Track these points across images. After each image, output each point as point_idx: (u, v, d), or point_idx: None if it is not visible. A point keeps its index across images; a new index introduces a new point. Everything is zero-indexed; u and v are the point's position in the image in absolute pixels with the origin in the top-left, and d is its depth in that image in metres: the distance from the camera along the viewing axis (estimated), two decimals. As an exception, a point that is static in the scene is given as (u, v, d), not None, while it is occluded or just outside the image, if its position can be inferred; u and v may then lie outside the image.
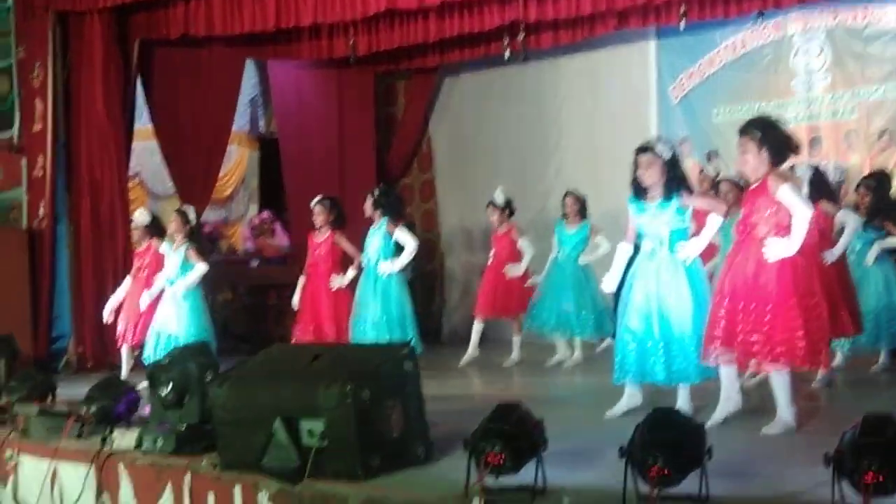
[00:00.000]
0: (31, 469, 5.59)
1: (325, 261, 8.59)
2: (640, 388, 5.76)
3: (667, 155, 5.62)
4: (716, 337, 5.20)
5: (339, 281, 8.49)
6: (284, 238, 12.80)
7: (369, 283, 8.38)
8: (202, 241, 8.28)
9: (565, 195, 8.97)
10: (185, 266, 8.02)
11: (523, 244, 9.03)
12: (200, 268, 7.99)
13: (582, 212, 8.85)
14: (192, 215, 8.25)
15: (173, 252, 8.10)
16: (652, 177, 5.62)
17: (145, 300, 8.25)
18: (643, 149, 5.67)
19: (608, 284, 5.92)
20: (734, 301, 5.17)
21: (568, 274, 8.83)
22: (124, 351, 8.52)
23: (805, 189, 6.78)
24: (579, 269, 8.83)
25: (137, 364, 8.31)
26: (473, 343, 9.19)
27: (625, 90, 10.79)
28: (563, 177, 10.63)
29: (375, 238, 8.42)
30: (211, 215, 12.52)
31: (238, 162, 13.37)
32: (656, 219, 5.66)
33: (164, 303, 8.09)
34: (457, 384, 7.99)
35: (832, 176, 8.83)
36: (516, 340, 9.12)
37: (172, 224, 8.20)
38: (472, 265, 11.52)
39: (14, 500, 5.68)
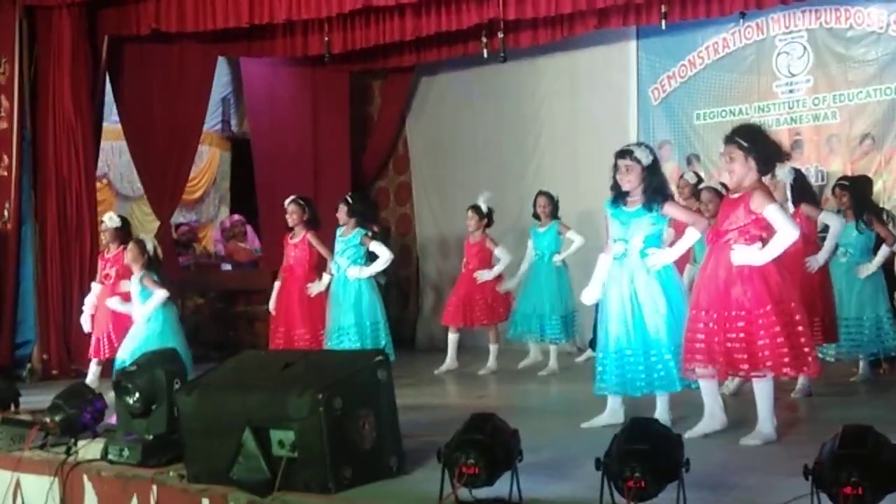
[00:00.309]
0: (-7, 480, 5.44)
1: (300, 264, 8.43)
2: (622, 405, 5.64)
3: (647, 160, 5.52)
4: (696, 350, 5.14)
5: (318, 287, 8.33)
6: (256, 241, 12.64)
7: (340, 289, 8.22)
8: (161, 269, 7.92)
9: (537, 195, 8.92)
10: (144, 293, 7.71)
11: (500, 253, 8.95)
12: (159, 294, 7.57)
13: (553, 212, 8.79)
14: (149, 245, 7.87)
15: (132, 281, 7.79)
16: (631, 182, 5.53)
17: (114, 305, 8.00)
18: (623, 153, 5.58)
19: (588, 297, 5.80)
20: (710, 313, 5.12)
21: (542, 277, 8.78)
22: (93, 363, 8.28)
23: (787, 193, 6.74)
24: (553, 272, 8.77)
25: (105, 375, 8.10)
26: (451, 354, 9.11)
27: (605, 91, 10.72)
28: (542, 179, 10.53)
29: (347, 246, 8.25)
30: (180, 218, 12.35)
31: (209, 162, 13.22)
32: (631, 225, 5.56)
33: (131, 337, 7.78)
34: (431, 393, 7.89)
35: (813, 180, 8.79)
36: (493, 349, 9.02)
37: (129, 254, 7.78)
38: (447, 271, 11.41)
39: (-26, 512, 5.51)
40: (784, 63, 9.62)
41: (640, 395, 5.56)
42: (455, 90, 12.00)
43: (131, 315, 7.75)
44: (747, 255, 5.02)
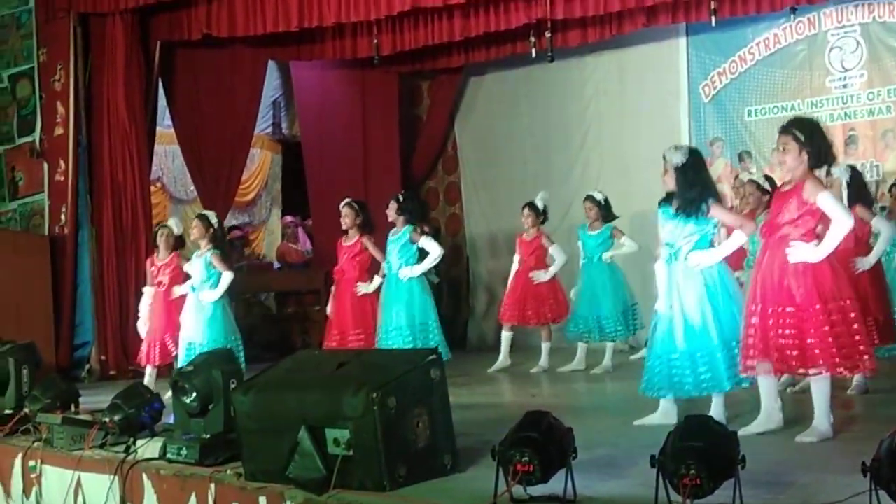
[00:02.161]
0: (55, 479, 5.53)
1: (353, 266, 8.49)
2: (674, 405, 5.60)
3: (677, 161, 5.45)
4: (750, 346, 5.10)
5: (366, 288, 8.40)
6: (307, 243, 12.73)
7: (392, 289, 8.28)
8: (226, 245, 8.15)
9: (584, 200, 8.85)
10: (210, 272, 7.89)
11: (554, 251, 8.93)
12: (227, 276, 7.85)
13: (604, 214, 8.72)
14: (213, 220, 8.11)
15: (197, 258, 7.99)
16: (667, 183, 5.50)
17: (179, 291, 8.16)
18: (665, 153, 5.56)
19: (661, 306, 5.72)
20: (764, 307, 5.07)
21: (596, 279, 8.74)
22: (148, 369, 8.36)
23: (844, 192, 6.66)
24: (605, 271, 8.73)
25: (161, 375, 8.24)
26: (504, 353, 9.12)
27: (654, 89, 10.66)
28: (590, 178, 10.50)
29: (398, 245, 8.31)
30: (233, 220, 12.47)
31: (260, 165, 13.32)
32: (678, 227, 5.52)
33: (189, 312, 7.96)
34: (483, 392, 7.89)
35: (868, 176, 8.67)
36: (545, 347, 9.00)
37: (195, 230, 8.03)
38: (498, 270, 11.38)
39: (37, 511, 5.61)
40: (837, 58, 9.51)
41: (687, 397, 5.53)
42: (503, 90, 11.99)
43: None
44: (804, 253, 4.96)
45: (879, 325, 6.70)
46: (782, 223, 5.08)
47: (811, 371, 5.01)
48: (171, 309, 8.25)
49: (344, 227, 8.50)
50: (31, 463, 5.67)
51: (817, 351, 4.92)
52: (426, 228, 9.10)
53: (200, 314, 7.87)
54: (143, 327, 8.45)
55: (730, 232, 5.78)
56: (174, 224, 8.66)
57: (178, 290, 8.21)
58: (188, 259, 8.26)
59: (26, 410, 6.08)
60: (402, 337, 8.10)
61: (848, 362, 5.00)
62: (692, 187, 5.44)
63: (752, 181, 7.37)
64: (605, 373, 8.54)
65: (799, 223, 5.02)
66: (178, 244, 8.49)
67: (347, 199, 8.59)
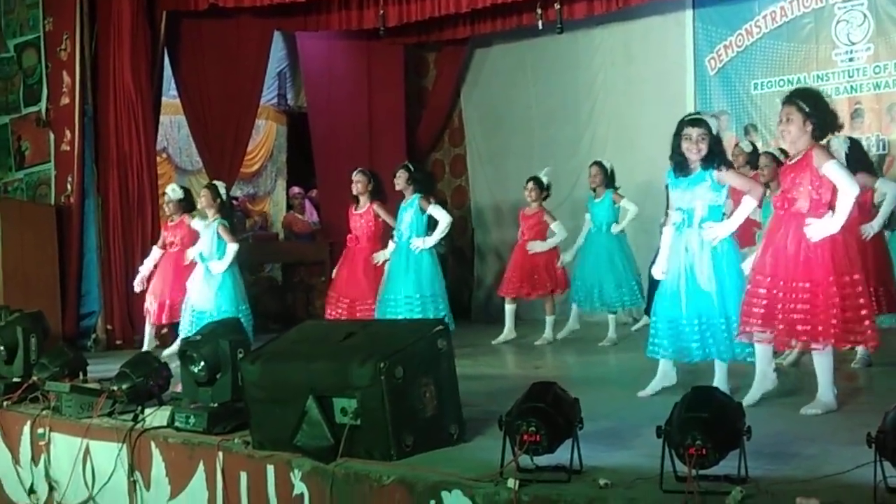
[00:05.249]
0: (63, 447, 5.57)
1: (364, 234, 8.53)
2: (674, 367, 5.64)
3: (716, 130, 5.49)
4: (754, 315, 5.10)
5: (382, 255, 8.43)
6: (314, 214, 12.74)
7: (401, 258, 8.30)
8: (233, 216, 8.24)
9: (591, 165, 8.88)
10: (219, 242, 8.00)
11: (556, 227, 8.94)
12: (232, 248, 7.99)
13: (607, 182, 8.75)
14: (222, 190, 8.22)
15: (205, 228, 8.06)
16: (702, 151, 5.44)
17: (191, 255, 8.27)
18: (695, 122, 5.49)
19: (657, 271, 5.75)
20: (775, 279, 5.07)
21: (602, 248, 8.77)
22: (147, 326, 8.49)
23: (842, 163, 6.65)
24: (613, 241, 8.77)
25: (162, 338, 8.42)
26: (509, 325, 9.14)
27: (661, 61, 10.62)
28: (597, 150, 10.48)
29: (407, 213, 8.34)
30: (238, 191, 12.47)
31: (266, 136, 13.28)
32: (689, 192, 5.51)
33: (197, 280, 8.05)
34: (487, 363, 7.90)
35: (875, 149, 8.66)
36: (549, 320, 9.02)
37: (203, 199, 8.19)
38: (503, 242, 11.41)
39: (46, 478, 5.66)
40: (843, 31, 9.46)
41: (693, 361, 5.55)
42: (509, 62, 11.96)
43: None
44: (822, 228, 4.95)
45: (878, 294, 6.72)
46: (795, 196, 5.07)
47: (817, 344, 5.01)
48: (182, 271, 8.37)
49: (355, 192, 8.52)
50: (40, 431, 5.71)
51: (825, 325, 4.93)
52: (433, 200, 9.10)
53: (210, 284, 7.95)
54: (139, 281, 8.65)
55: (736, 201, 5.77)
56: (171, 190, 8.85)
57: (191, 253, 8.31)
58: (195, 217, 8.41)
59: (34, 379, 6.12)
60: (411, 306, 8.12)
61: (853, 336, 5.03)
62: (718, 153, 5.48)
63: (767, 153, 7.35)
64: (611, 344, 8.58)
65: (810, 193, 5.01)
66: (188, 207, 8.60)
67: (360, 168, 8.63)
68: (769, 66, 9.91)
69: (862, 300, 5.04)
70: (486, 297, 11.93)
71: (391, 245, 8.41)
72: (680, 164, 5.53)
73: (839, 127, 5.26)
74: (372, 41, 11.38)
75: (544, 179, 9.01)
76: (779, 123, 5.24)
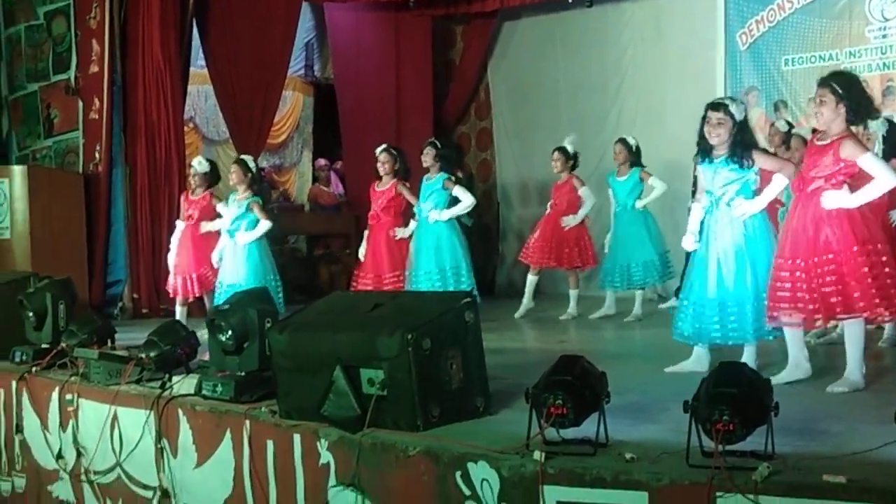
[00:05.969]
0: (91, 413, 5.60)
1: (386, 211, 8.49)
2: (707, 352, 5.62)
3: (739, 116, 5.44)
4: (780, 298, 5.08)
5: (403, 232, 8.41)
6: (339, 186, 12.75)
7: (423, 233, 8.30)
8: (265, 191, 8.17)
9: (615, 143, 8.82)
10: (249, 217, 7.93)
11: (584, 192, 8.90)
12: (264, 224, 7.89)
13: (633, 160, 8.70)
14: (251, 165, 8.14)
15: (235, 203, 8.01)
16: (720, 136, 5.43)
17: (206, 227, 8.28)
18: (716, 105, 5.48)
19: (687, 244, 5.75)
20: (796, 261, 5.04)
21: (629, 227, 8.73)
22: (178, 302, 8.50)
23: (878, 145, 6.59)
24: (638, 218, 8.72)
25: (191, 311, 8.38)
26: (528, 294, 9.11)
27: (691, 36, 10.55)
28: (624, 125, 10.43)
29: (431, 191, 8.31)
30: (264, 162, 12.48)
31: (292, 107, 13.29)
32: (718, 174, 5.50)
33: (228, 257, 8.02)
34: (512, 337, 7.90)
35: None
36: (573, 294, 9.01)
37: (233, 175, 8.05)
38: (528, 216, 11.38)
39: (74, 444, 5.70)
40: (877, 6, 9.35)
41: (712, 345, 5.54)
42: (537, 35, 11.90)
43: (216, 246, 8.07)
44: (839, 198, 4.94)
45: None
46: (815, 177, 5.04)
47: (852, 315, 4.98)
48: (199, 243, 8.34)
49: (381, 172, 8.45)
50: (68, 396, 5.75)
51: (857, 294, 4.90)
52: (459, 174, 9.08)
53: (239, 256, 7.92)
54: (171, 260, 8.57)
55: (765, 179, 5.74)
56: (197, 162, 8.69)
57: (205, 226, 8.29)
58: (221, 199, 8.33)
59: (63, 345, 6.13)
60: (431, 281, 8.12)
61: (886, 303, 4.95)
62: (745, 140, 5.45)
63: (798, 135, 7.30)
64: (636, 320, 8.56)
65: (830, 178, 4.99)
66: (213, 180, 8.55)
67: (385, 145, 8.54)
68: (801, 41, 9.82)
69: (888, 269, 4.97)
70: (510, 273, 11.93)
71: (412, 222, 8.39)
72: (705, 150, 5.53)
73: (875, 113, 5.20)
74: (400, 13, 11.36)
75: (569, 148, 8.96)
76: (812, 104, 5.20)
